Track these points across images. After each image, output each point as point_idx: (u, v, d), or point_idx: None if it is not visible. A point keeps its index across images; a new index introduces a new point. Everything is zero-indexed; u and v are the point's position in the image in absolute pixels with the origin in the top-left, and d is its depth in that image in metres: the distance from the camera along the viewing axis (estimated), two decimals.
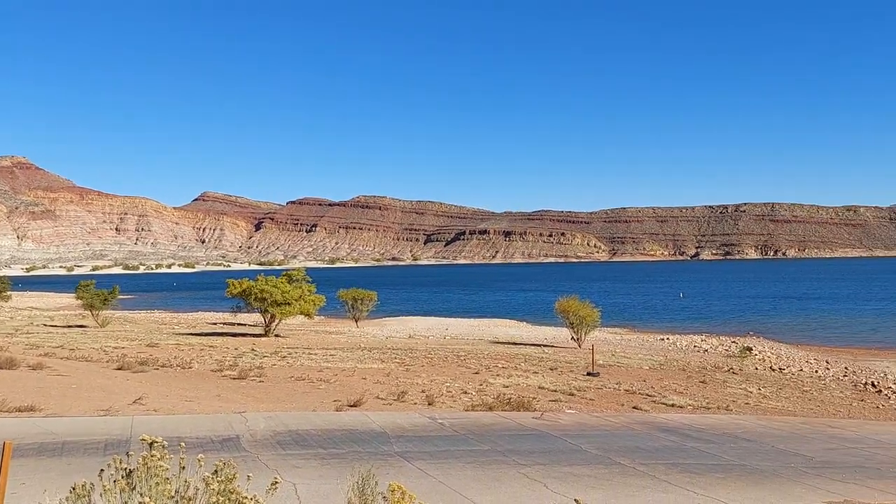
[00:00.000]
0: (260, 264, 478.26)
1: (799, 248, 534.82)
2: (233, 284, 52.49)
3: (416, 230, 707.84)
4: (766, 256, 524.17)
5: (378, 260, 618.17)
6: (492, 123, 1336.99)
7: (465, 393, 23.22)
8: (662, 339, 57.28)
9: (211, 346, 39.12)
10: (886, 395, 31.21)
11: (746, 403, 25.71)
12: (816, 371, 38.72)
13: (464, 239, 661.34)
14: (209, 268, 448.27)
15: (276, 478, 6.65)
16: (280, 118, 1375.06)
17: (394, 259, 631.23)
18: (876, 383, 33.64)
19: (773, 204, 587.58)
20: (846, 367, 40.21)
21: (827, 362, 43.37)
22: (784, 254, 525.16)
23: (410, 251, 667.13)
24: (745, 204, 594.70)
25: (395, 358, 34.00)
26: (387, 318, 78.13)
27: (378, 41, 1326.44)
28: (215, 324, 66.22)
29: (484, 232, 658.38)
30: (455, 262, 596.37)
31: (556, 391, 24.59)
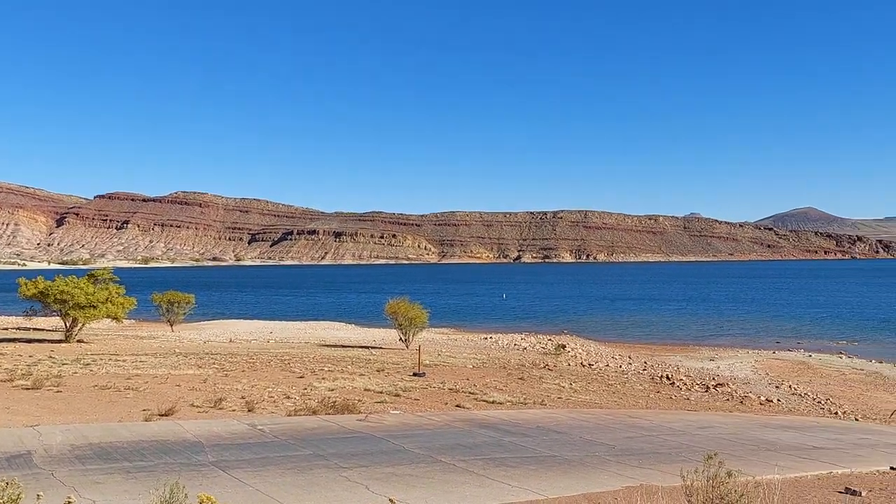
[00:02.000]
0: (62, 263, 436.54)
1: (608, 252, 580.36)
2: (26, 285, 47.27)
3: (239, 229, 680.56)
4: (579, 260, 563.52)
5: (197, 260, 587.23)
6: (323, 119, 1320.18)
7: (288, 398, 22.61)
8: (486, 339, 59.53)
9: (0, 354, 34.98)
10: (678, 386, 34.62)
11: (559, 398, 27.33)
12: (620, 366, 42.10)
13: (291, 239, 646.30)
14: (0, 266, 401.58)
15: (70, 497, 6.01)
16: (87, 104, 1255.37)
17: (215, 259, 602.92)
18: (670, 376, 37.22)
19: (586, 211, 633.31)
20: (646, 362, 44.11)
21: (630, 358, 47.31)
22: (595, 258, 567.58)
23: (233, 251, 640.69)
24: (562, 211, 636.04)
25: (214, 363, 32.38)
26: (206, 322, 74.36)
27: (193, 26, 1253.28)
28: (6, 329, 59.36)
29: (313, 232, 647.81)
30: (282, 262, 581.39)
31: (381, 393, 24.66)
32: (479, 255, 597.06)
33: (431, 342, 53.69)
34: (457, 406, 22.66)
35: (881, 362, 53.28)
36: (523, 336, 61.67)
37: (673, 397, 30.92)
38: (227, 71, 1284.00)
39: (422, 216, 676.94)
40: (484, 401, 24.30)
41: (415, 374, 30.94)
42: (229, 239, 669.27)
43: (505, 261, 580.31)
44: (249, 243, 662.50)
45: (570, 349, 50.73)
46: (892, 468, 16.08)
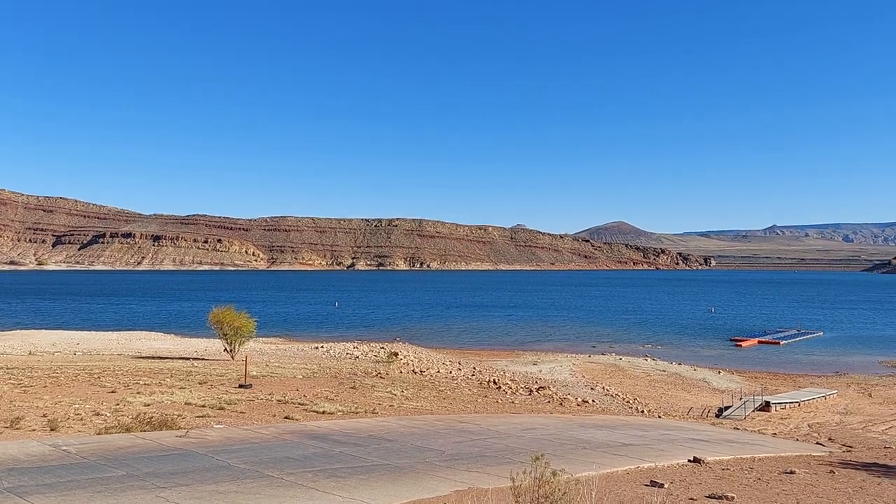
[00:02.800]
0: None
1: (441, 260, 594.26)
2: None
3: (42, 230, 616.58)
4: (413, 268, 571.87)
5: None
6: (139, 113, 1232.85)
7: (98, 414, 20.75)
8: (318, 348, 58.50)
9: None
10: (504, 390, 36.05)
11: (391, 406, 27.42)
12: (451, 372, 43.09)
13: (103, 242, 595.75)
14: None
15: None
16: None
17: (12, 263, 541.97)
18: (497, 381, 38.66)
19: (420, 220, 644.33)
20: (475, 368, 45.50)
21: (460, 364, 48.61)
22: (429, 266, 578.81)
23: (35, 254, 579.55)
24: (397, 219, 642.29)
25: (10, 378, 29.03)
26: (1, 333, 66.69)
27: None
28: None
29: (128, 235, 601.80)
30: (92, 267, 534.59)
31: (204, 406, 23.35)
32: (311, 262, 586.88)
33: (259, 353, 51.85)
34: (286, 418, 21.98)
35: (680, 364, 59.01)
36: (356, 344, 61.34)
37: (499, 401, 32.12)
38: (21, 52, 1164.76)
39: (250, 220, 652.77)
40: (314, 411, 23.79)
41: (241, 386, 29.66)
42: (30, 241, 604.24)
43: (338, 268, 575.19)
44: (54, 246, 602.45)
45: (402, 357, 51.16)
46: (689, 460, 17.74)
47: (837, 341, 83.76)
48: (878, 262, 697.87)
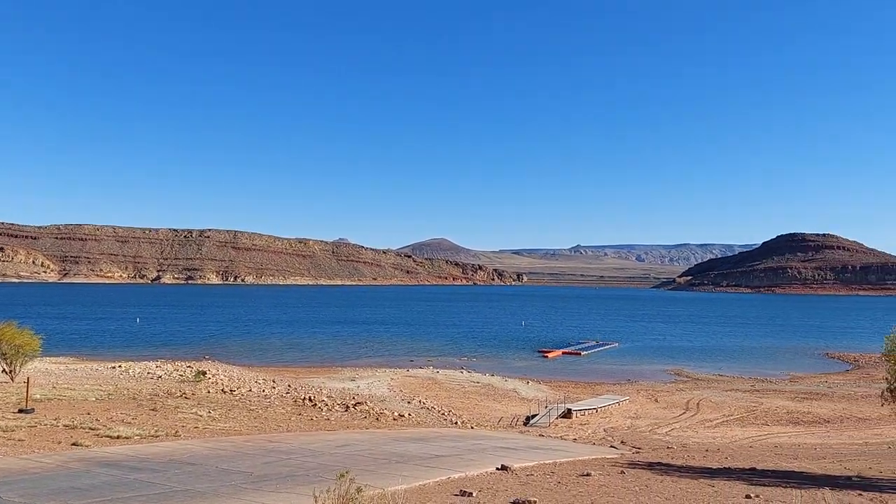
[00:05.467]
0: None
1: (257, 274, 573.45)
2: None
3: None
4: (227, 282, 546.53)
5: None
6: None
7: None
8: (115, 368, 53.82)
9: None
10: (320, 407, 35.31)
11: (196, 427, 25.77)
12: (264, 391, 41.47)
13: None
14: None
15: None
16: None
17: None
18: (312, 398, 37.79)
19: (235, 232, 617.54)
20: (289, 385, 44.18)
21: (274, 382, 46.95)
22: (244, 280, 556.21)
23: None
24: (210, 230, 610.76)
25: None
26: None
27: None
28: None
29: None
30: None
31: None
32: (110, 275, 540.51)
33: (46, 373, 46.71)
34: (73, 444, 19.85)
35: (493, 375, 61.48)
36: (159, 363, 57.20)
37: (314, 418, 31.39)
38: None
39: (40, 228, 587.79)
40: (108, 436, 21.72)
41: (21, 411, 26.41)
42: None
43: (142, 281, 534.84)
44: None
45: (211, 376, 48.45)
46: (497, 468, 18.37)
47: (631, 351, 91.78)
48: (665, 280, 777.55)
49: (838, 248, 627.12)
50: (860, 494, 15.92)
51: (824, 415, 46.08)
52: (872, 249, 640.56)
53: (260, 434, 24.81)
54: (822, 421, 43.87)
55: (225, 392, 40.10)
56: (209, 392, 39.72)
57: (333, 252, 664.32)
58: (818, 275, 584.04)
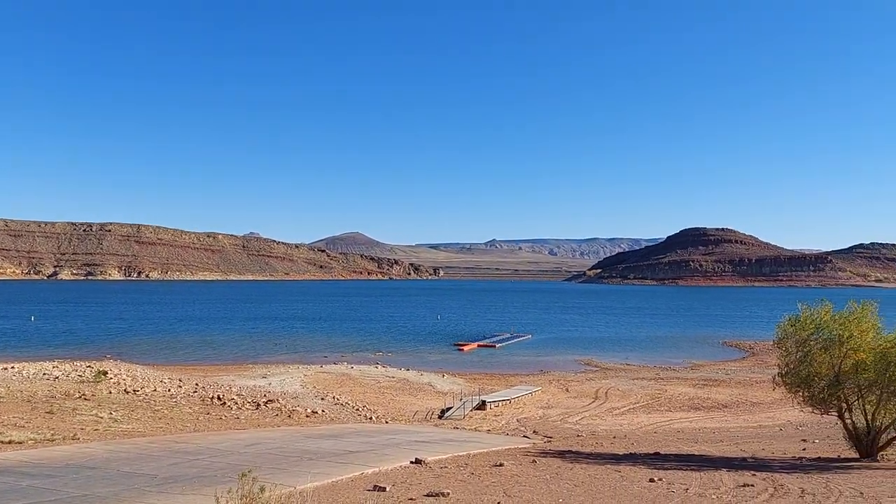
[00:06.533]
0: None
1: (162, 270, 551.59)
2: None
3: None
4: (130, 278, 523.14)
5: None
6: None
7: None
8: (6, 369, 50.60)
9: None
10: (230, 406, 34.37)
11: (96, 430, 24.58)
12: (170, 390, 39.99)
13: None
14: None
15: None
16: None
17: None
18: (221, 396, 36.73)
19: (138, 225, 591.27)
20: (197, 384, 42.77)
21: (181, 381, 45.33)
22: (148, 275, 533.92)
23: None
24: (111, 223, 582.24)
25: None
26: None
27: None
28: None
29: None
30: None
31: None
32: (1, 271, 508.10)
33: None
34: None
35: (408, 370, 61.51)
36: (56, 364, 54.22)
37: (223, 417, 30.52)
38: None
39: None
40: None
41: None
42: None
43: (37, 277, 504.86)
44: None
45: (113, 376, 46.31)
46: (412, 462, 18.37)
47: (543, 343, 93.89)
48: (576, 273, 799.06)
49: (736, 241, 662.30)
50: (754, 474, 16.85)
51: (722, 400, 48.57)
52: (766, 243, 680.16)
53: (165, 435, 23.90)
54: (720, 406, 46.23)
55: (128, 392, 38.42)
56: (111, 393, 37.96)
57: (244, 246, 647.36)
58: (718, 267, 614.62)
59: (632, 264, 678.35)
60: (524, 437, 30.94)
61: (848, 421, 21.35)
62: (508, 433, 33.11)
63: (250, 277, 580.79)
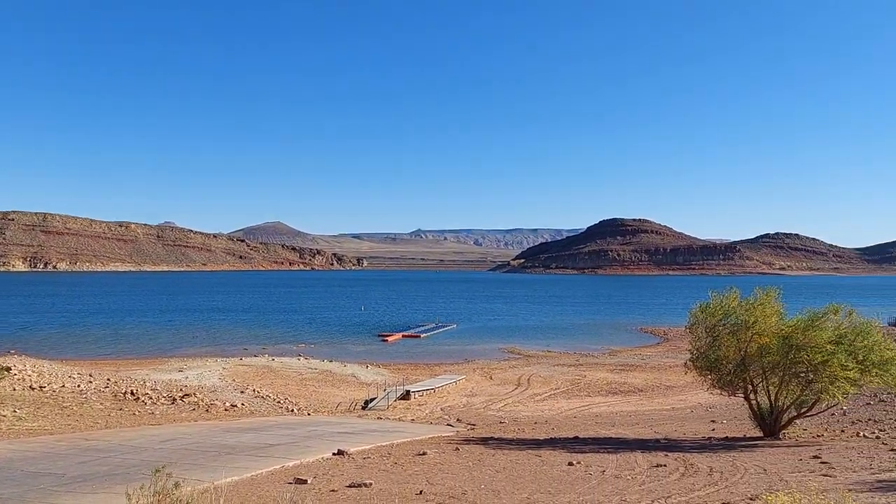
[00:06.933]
0: None
1: (71, 260, 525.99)
2: None
3: None
4: (35, 269, 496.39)
5: None
6: None
7: None
8: None
9: None
10: (144, 401, 33.15)
11: None
12: (79, 385, 38.21)
13: None
14: None
15: None
16: None
17: None
18: (135, 391, 35.36)
19: (45, 214, 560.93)
20: (109, 379, 41.01)
21: (90, 376, 43.35)
22: (55, 266, 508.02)
23: None
24: (14, 212, 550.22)
25: None
26: None
27: None
28: None
29: None
30: None
31: None
32: None
33: None
34: None
35: (332, 361, 60.89)
36: None
37: (137, 413, 29.44)
38: None
39: None
40: None
41: None
42: None
43: None
44: None
45: (17, 371, 43.82)
46: (334, 454, 18.21)
47: (468, 332, 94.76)
48: (500, 263, 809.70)
49: (652, 231, 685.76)
50: (666, 455, 17.52)
51: (638, 384, 50.32)
52: (680, 233, 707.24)
53: (74, 433, 22.85)
54: (636, 390, 47.88)
55: (34, 389, 36.47)
56: (14, 390, 35.94)
57: (158, 236, 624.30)
58: (635, 256, 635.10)
59: (554, 254, 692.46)
60: (448, 425, 31.17)
61: (753, 402, 22.47)
62: (432, 422, 33.28)
63: (165, 268, 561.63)
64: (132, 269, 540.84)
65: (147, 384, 38.92)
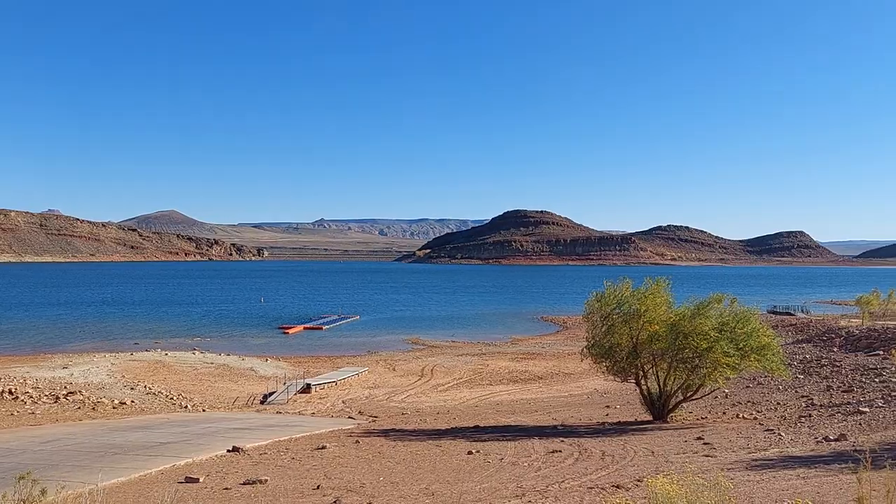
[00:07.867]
0: None
1: None
2: None
3: None
4: None
5: None
6: None
7: None
8: None
9: None
10: (23, 400, 31.05)
11: None
12: None
13: None
14: None
15: None
16: None
17: None
18: (13, 390, 33.07)
19: None
20: None
21: None
22: None
23: None
24: None
25: None
26: None
27: None
28: None
29: None
30: None
31: None
32: None
33: None
34: None
35: (229, 355, 59.04)
36: None
37: (15, 413, 27.53)
38: None
39: None
40: None
41: None
42: None
43: None
44: None
45: None
46: (229, 450, 17.63)
47: (372, 323, 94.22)
48: (406, 253, 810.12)
49: (553, 223, 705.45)
50: (562, 441, 18.03)
51: (538, 372, 51.60)
52: (580, 225, 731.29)
53: None
54: (536, 378, 49.08)
55: None
56: None
57: (41, 225, 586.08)
58: (537, 247, 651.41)
59: (459, 244, 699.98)
60: (349, 418, 30.87)
61: (644, 387, 23.48)
62: (333, 415, 32.87)
63: (50, 259, 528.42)
64: (12, 259, 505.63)
65: (28, 382, 36.49)
